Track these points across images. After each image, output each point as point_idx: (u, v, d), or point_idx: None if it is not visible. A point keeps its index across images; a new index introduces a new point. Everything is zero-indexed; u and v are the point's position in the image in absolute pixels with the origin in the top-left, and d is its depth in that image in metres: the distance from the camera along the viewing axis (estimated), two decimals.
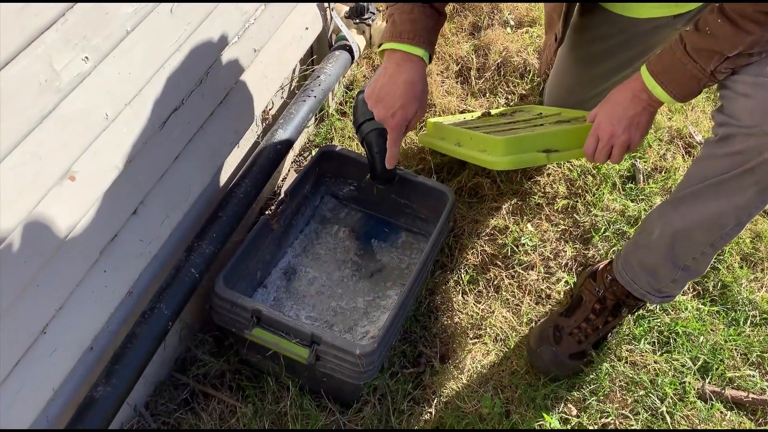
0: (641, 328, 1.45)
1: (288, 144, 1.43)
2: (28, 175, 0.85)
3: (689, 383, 1.38)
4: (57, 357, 1.01)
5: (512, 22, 2.05)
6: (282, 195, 1.47)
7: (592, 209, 1.64)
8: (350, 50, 1.62)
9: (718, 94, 1.12)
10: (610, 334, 1.44)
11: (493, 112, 1.73)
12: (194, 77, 1.17)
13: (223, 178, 1.41)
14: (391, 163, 1.32)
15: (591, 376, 1.39)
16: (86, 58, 0.89)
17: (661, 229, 1.25)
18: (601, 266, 1.45)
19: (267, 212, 1.44)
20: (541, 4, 2.06)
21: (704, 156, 1.15)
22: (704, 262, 1.28)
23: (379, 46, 1.24)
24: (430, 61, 1.24)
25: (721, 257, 1.56)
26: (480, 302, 1.52)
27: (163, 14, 1.03)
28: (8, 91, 0.79)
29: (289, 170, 1.77)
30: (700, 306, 1.49)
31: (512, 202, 1.66)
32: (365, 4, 1.68)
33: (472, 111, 1.81)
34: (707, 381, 1.39)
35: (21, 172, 0.84)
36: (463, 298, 1.52)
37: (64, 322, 1.00)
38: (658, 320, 1.46)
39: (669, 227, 1.24)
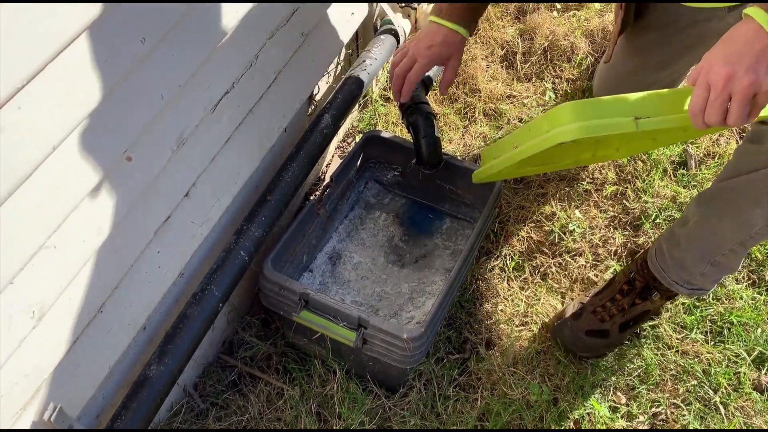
0: (693, 317, 1.42)
1: (334, 129, 1.43)
2: (87, 153, 0.87)
3: (744, 374, 1.34)
4: (112, 336, 1.03)
5: (559, 6, 2.01)
6: (327, 180, 1.47)
7: (642, 195, 1.60)
8: (396, 35, 1.61)
9: None
10: (647, 321, 1.40)
11: None
12: (245, 60, 1.17)
13: (271, 161, 1.42)
14: (405, 90, 1.32)
15: (640, 364, 1.36)
16: (143, 39, 0.90)
17: (694, 220, 1.22)
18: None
19: (311, 197, 1.44)
20: None
21: (740, 150, 1.12)
22: (735, 260, 1.24)
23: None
24: (471, 34, 1.29)
25: None
26: (525, 289, 1.50)
27: None
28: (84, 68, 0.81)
29: (333, 156, 1.77)
30: (756, 295, 1.45)
31: (559, 188, 1.63)
32: None
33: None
34: (764, 372, 1.35)
35: (80, 153, 0.86)
36: (509, 284, 1.51)
37: (119, 301, 1.02)
38: (711, 309, 1.42)
39: (700, 219, 1.20)
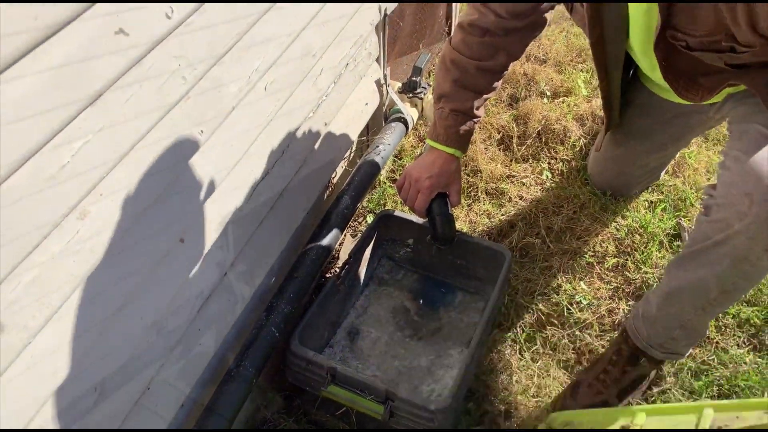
0: (701, 383, 1.48)
1: (353, 209, 1.52)
2: (151, 234, 0.93)
3: None
4: (155, 414, 1.06)
5: (548, 93, 2.17)
6: (346, 257, 1.54)
7: (642, 267, 1.69)
8: (405, 122, 1.73)
9: None
10: (648, 386, 1.46)
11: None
12: (279, 148, 1.26)
13: (291, 242, 1.49)
14: (419, 213, 1.48)
15: None
16: (201, 131, 0.98)
17: (662, 285, 1.32)
18: None
19: (328, 274, 1.50)
20: (579, 79, 2.19)
21: (697, 220, 1.23)
22: (700, 325, 1.32)
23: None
24: (464, 152, 1.47)
25: None
26: (536, 360, 1.55)
27: (259, 92, 1.13)
28: (149, 162, 0.88)
29: (345, 234, 1.84)
30: (758, 359, 1.52)
31: (563, 262, 1.72)
32: (417, 79, 1.80)
33: None
34: None
35: (143, 234, 0.92)
36: (521, 355, 1.56)
37: (164, 379, 1.06)
38: (718, 373, 1.49)
39: (667, 285, 1.30)
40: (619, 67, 1.39)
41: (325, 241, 1.43)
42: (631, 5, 1.19)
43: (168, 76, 0.87)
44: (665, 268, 1.35)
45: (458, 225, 1.83)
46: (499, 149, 2.03)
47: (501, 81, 1.46)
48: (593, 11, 1.21)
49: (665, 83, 1.27)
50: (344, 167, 1.70)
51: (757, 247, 1.10)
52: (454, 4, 2.23)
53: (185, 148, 0.97)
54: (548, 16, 1.39)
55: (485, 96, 1.44)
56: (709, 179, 1.92)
